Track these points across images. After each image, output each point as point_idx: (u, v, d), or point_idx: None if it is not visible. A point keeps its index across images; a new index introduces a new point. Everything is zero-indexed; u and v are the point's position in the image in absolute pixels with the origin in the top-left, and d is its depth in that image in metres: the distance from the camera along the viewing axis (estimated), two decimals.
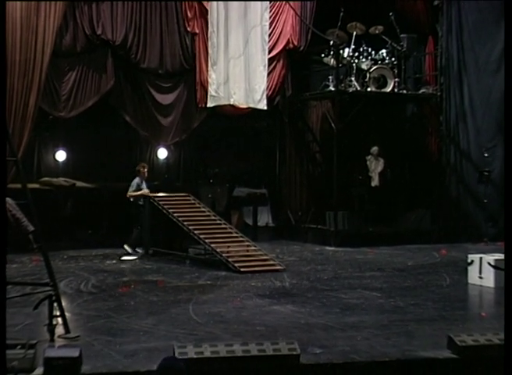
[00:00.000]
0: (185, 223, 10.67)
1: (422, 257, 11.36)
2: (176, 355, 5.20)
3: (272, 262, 10.16)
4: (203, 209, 11.41)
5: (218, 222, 11.15)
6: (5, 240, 5.67)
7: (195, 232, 10.48)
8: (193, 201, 11.54)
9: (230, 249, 10.31)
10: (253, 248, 10.62)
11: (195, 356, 5.18)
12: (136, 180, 11.41)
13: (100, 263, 10.63)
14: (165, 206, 11.02)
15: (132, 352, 5.72)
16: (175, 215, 10.82)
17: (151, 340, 6.21)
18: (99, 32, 12.09)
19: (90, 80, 12.23)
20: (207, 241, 10.31)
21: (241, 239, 10.78)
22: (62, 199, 12.98)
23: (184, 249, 10.94)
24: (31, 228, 6.42)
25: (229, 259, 9.88)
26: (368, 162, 13.60)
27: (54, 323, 6.09)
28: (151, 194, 11.31)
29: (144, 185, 11.44)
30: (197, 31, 12.81)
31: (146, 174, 11.55)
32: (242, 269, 9.61)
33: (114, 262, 10.78)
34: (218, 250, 10.12)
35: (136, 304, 7.77)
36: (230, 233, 10.92)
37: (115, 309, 7.40)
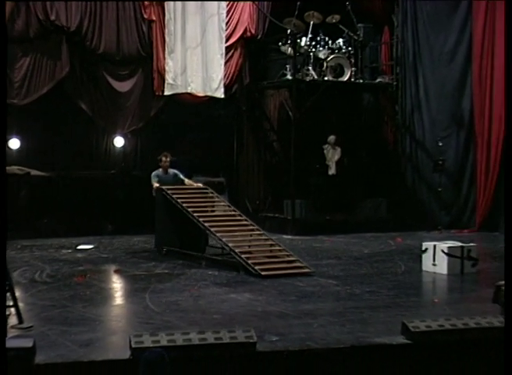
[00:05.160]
0: (200, 219, 9.54)
1: (378, 245, 11.50)
2: (132, 344, 5.18)
3: (299, 265, 9.02)
4: (222, 204, 10.37)
5: (239, 218, 10.08)
6: (5, 237, 5.59)
7: (211, 229, 9.41)
8: (211, 195, 10.41)
9: (251, 249, 9.34)
10: (277, 247, 9.55)
11: (151, 345, 5.16)
12: (155, 171, 10.60)
13: (55, 253, 10.50)
14: (179, 200, 9.83)
15: (87, 342, 5.67)
16: (189, 210, 9.65)
17: (107, 329, 6.18)
18: (53, 17, 11.86)
19: (44, 67, 12.01)
20: (224, 239, 9.22)
21: (264, 238, 9.76)
22: (16, 188, 12.76)
23: (201, 249, 9.88)
24: None
25: (249, 261, 8.77)
26: (325, 151, 13.69)
27: (7, 313, 6.01)
28: (162, 187, 10.17)
29: (163, 177, 10.54)
30: (154, 18, 12.67)
31: (166, 164, 10.61)
32: (263, 273, 8.50)
33: (69, 251, 10.66)
34: (237, 250, 8.99)
35: (92, 293, 7.69)
36: (252, 230, 9.84)
37: (70, 299, 7.33)
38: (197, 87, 12.93)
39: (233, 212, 10.19)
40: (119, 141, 13.45)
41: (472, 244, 9.23)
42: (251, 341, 5.38)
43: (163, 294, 7.58)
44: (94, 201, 12.72)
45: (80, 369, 5.15)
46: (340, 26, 13.57)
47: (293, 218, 12.84)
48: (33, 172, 12.83)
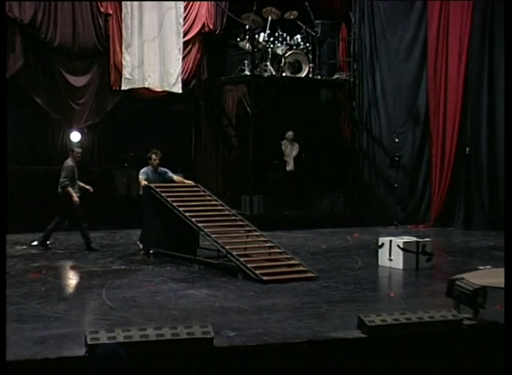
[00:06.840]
0: (193, 219, 8.93)
1: (335, 240, 11.60)
2: (88, 340, 5.12)
3: (302, 269, 8.43)
4: (215, 203, 9.69)
5: (234, 218, 9.49)
6: (5, 236, 5.48)
7: (206, 230, 8.81)
8: (202, 193, 9.83)
9: (249, 252, 8.80)
10: (277, 250, 8.97)
11: (107, 341, 5.11)
12: (144, 169, 10.03)
13: (9, 249, 10.28)
14: (169, 198, 9.22)
15: (42, 339, 5.60)
16: (181, 209, 9.07)
17: (62, 326, 6.10)
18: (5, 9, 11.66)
19: None
20: (220, 241, 8.64)
21: (262, 239, 9.19)
22: None
23: (193, 250, 9.35)
24: None
25: (249, 265, 8.16)
26: (283, 147, 13.75)
27: None
28: (151, 184, 9.62)
29: (152, 175, 9.98)
30: (111, 12, 12.56)
31: (156, 162, 10.02)
32: (265, 278, 7.93)
33: (24, 247, 10.50)
34: (234, 253, 8.40)
35: (48, 290, 7.60)
36: (249, 231, 9.28)
37: (24, 296, 7.23)
38: (154, 82, 12.86)
39: (228, 212, 9.60)
40: (75, 136, 13.29)
41: (427, 240, 9.37)
42: (208, 336, 5.37)
43: (120, 290, 7.52)
44: (49, 197, 12.53)
45: (34, 367, 5.08)
46: (298, 22, 13.63)
47: (251, 214, 12.85)
48: None
